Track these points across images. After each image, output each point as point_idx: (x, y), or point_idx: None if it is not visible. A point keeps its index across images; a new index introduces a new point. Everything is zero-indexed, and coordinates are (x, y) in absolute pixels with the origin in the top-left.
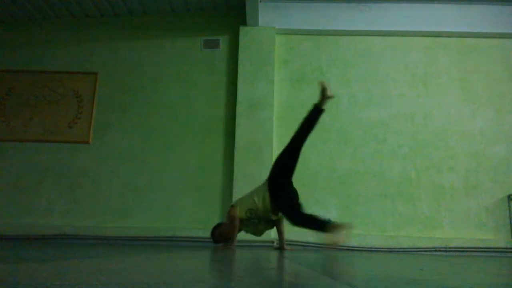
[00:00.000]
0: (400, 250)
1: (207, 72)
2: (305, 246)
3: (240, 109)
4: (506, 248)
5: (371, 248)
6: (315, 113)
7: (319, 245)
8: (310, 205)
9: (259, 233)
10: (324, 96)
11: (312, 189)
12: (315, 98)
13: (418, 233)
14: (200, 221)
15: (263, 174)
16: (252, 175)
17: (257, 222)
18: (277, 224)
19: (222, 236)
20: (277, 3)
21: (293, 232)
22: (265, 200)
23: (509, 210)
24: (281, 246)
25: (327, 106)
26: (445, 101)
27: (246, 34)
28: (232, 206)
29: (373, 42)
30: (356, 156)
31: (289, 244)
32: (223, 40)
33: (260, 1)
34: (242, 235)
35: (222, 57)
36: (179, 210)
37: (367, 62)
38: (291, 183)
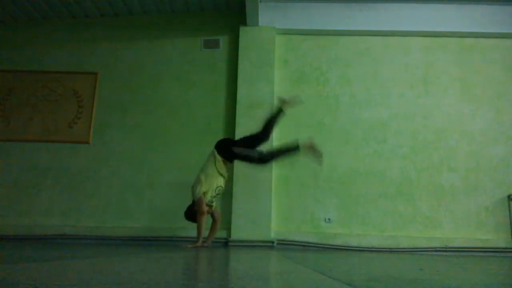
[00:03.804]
0: (400, 250)
1: (207, 72)
2: (305, 246)
3: (240, 109)
4: (506, 248)
5: (371, 248)
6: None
7: (319, 245)
8: (310, 205)
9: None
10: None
11: (312, 189)
12: (315, 98)
13: (418, 233)
14: None
15: (263, 173)
16: (251, 175)
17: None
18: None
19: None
20: (277, 3)
21: (290, 233)
22: (221, 169)
23: (509, 210)
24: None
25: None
26: (445, 101)
27: (246, 34)
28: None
29: (373, 42)
30: (356, 156)
31: (290, 244)
32: (223, 40)
33: (260, 1)
34: (242, 236)
35: (222, 57)
36: (179, 210)
37: (367, 62)
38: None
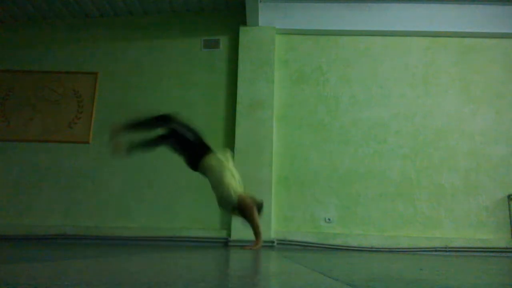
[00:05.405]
0: (400, 250)
1: (207, 72)
2: (305, 246)
3: (240, 109)
4: (506, 248)
5: (371, 248)
6: None
7: (319, 245)
8: (310, 205)
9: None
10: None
11: (312, 189)
12: (315, 98)
13: (418, 233)
14: (200, 221)
15: (263, 174)
16: (252, 175)
17: None
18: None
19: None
20: (277, 3)
21: (290, 232)
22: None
23: (509, 210)
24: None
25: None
26: (445, 101)
27: (246, 34)
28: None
29: (373, 42)
30: (356, 156)
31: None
32: (223, 40)
33: (260, 1)
34: (242, 236)
35: (222, 57)
36: (179, 210)
37: (367, 62)
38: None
